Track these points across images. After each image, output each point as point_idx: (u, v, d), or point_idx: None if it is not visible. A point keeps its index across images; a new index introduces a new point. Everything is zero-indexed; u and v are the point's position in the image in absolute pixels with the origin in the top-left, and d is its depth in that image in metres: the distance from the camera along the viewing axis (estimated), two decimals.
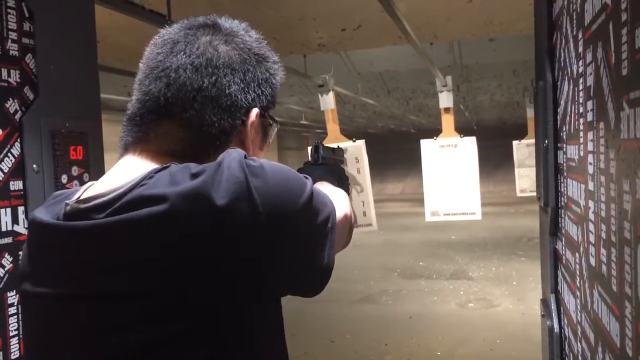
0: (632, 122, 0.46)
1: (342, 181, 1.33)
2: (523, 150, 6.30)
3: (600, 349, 0.63)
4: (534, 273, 6.90)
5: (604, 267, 0.60)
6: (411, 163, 14.10)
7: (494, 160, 14.65)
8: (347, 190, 1.36)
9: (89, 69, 1.43)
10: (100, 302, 0.69)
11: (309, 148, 1.51)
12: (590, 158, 0.66)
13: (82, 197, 0.75)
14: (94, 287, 0.70)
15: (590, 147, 0.65)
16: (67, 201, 0.75)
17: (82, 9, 1.43)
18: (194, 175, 0.67)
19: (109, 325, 0.69)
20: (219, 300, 0.67)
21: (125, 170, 0.76)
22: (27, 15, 1.23)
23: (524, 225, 10.47)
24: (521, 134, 6.37)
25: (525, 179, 6.30)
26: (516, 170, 6.38)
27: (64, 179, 1.27)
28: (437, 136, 4.43)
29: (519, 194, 6.43)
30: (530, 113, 6.59)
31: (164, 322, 0.67)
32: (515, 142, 6.37)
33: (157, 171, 0.71)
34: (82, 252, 0.70)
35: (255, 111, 0.82)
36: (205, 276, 0.66)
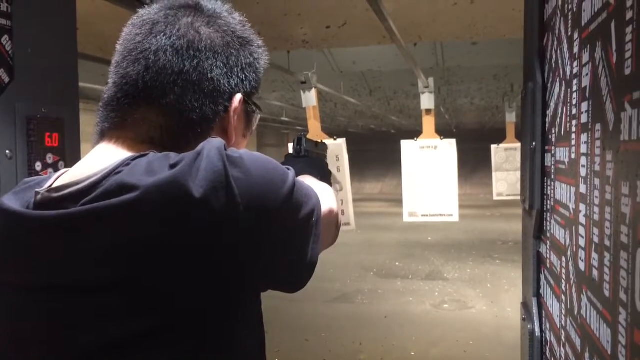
0: (635, 123, 0.44)
1: (325, 175, 1.30)
2: (501, 154, 6.38)
3: (587, 355, 0.62)
4: (507, 276, 7.00)
5: (594, 272, 0.59)
6: (390, 163, 14.17)
7: (472, 164, 14.81)
8: (329, 184, 1.33)
9: (68, 53, 1.38)
10: (71, 293, 0.66)
11: (290, 145, 1.48)
12: (583, 160, 0.65)
13: (54, 186, 0.72)
14: (64, 278, 0.67)
15: (583, 149, 0.64)
16: (38, 189, 0.71)
17: None
18: (173, 166, 0.65)
19: (80, 317, 0.66)
20: (195, 292, 0.64)
21: (101, 158, 0.73)
22: None
23: (499, 229, 10.60)
24: (499, 138, 6.44)
25: (502, 182, 6.37)
26: (493, 174, 6.45)
27: (38, 166, 1.23)
28: (417, 137, 4.45)
29: (495, 198, 6.50)
30: (509, 118, 6.68)
31: (137, 314, 0.64)
32: (493, 146, 6.45)
33: (135, 158, 0.68)
34: (52, 242, 0.67)
35: (238, 97, 0.79)
36: (181, 267, 0.64)
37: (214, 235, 0.63)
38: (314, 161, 1.33)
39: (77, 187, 0.68)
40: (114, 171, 0.67)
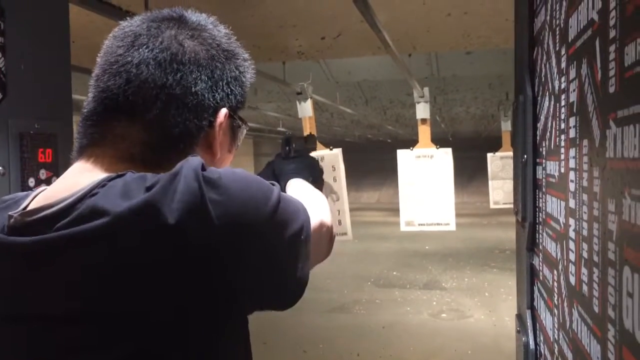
0: (620, 141, 0.45)
1: (317, 176, 1.27)
2: (497, 162, 6.39)
3: None
4: (505, 284, 6.99)
5: (584, 287, 0.59)
6: (387, 172, 14.18)
7: (468, 172, 14.83)
8: (322, 183, 1.30)
9: (61, 69, 1.38)
10: (46, 323, 0.64)
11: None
12: (571, 175, 0.65)
13: (29, 208, 0.69)
14: (39, 307, 0.64)
15: (572, 164, 0.65)
16: (11, 213, 0.68)
17: (56, 7, 1.39)
18: (148, 188, 0.62)
19: (56, 347, 0.64)
20: (172, 320, 0.62)
21: (77, 178, 0.70)
22: None
23: (496, 237, 10.59)
24: (495, 147, 6.46)
25: (498, 191, 6.38)
26: (490, 182, 6.45)
27: (31, 182, 1.23)
28: (413, 147, 4.46)
29: (492, 206, 6.50)
30: (504, 126, 6.71)
31: (113, 343, 0.62)
32: (489, 155, 6.46)
33: (111, 179, 0.66)
34: (24, 270, 0.65)
35: (223, 111, 0.77)
36: (157, 294, 0.61)
37: (190, 260, 0.61)
38: (305, 162, 1.29)
39: (50, 211, 0.65)
40: (89, 193, 0.64)
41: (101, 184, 0.65)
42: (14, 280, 0.66)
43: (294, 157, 1.30)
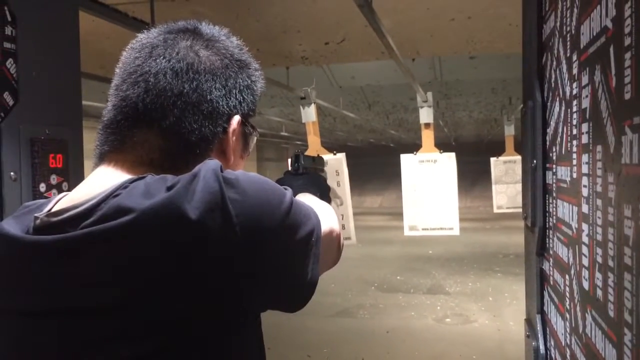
0: (636, 147, 0.45)
1: (324, 191, 1.31)
2: (500, 167, 6.38)
3: None
4: (509, 289, 6.97)
5: (599, 292, 0.59)
6: (390, 177, 14.17)
7: (472, 176, 14.82)
8: (329, 201, 1.34)
9: (71, 75, 1.39)
10: (70, 318, 0.66)
11: (289, 160, 1.49)
12: (584, 180, 0.65)
13: (53, 210, 0.72)
14: (64, 303, 0.67)
15: (584, 169, 0.65)
16: (37, 214, 0.71)
17: (66, 14, 1.41)
18: (169, 188, 0.65)
19: (81, 342, 0.66)
20: (191, 316, 0.64)
21: (100, 181, 0.74)
22: (9, 19, 1.20)
23: (500, 241, 10.58)
24: (499, 151, 6.45)
25: (502, 195, 6.37)
26: (493, 187, 6.44)
27: (42, 187, 1.24)
28: (416, 151, 4.46)
29: (495, 210, 6.49)
30: (507, 131, 6.70)
31: (133, 338, 0.64)
32: (493, 159, 6.45)
33: (133, 181, 0.69)
34: (51, 267, 0.67)
35: (237, 118, 0.80)
36: (179, 289, 0.64)
37: (210, 257, 0.64)
38: (312, 178, 1.34)
39: (75, 211, 0.68)
40: (112, 194, 0.67)
41: (123, 186, 0.68)
42: (41, 277, 0.68)
43: (302, 173, 1.34)
